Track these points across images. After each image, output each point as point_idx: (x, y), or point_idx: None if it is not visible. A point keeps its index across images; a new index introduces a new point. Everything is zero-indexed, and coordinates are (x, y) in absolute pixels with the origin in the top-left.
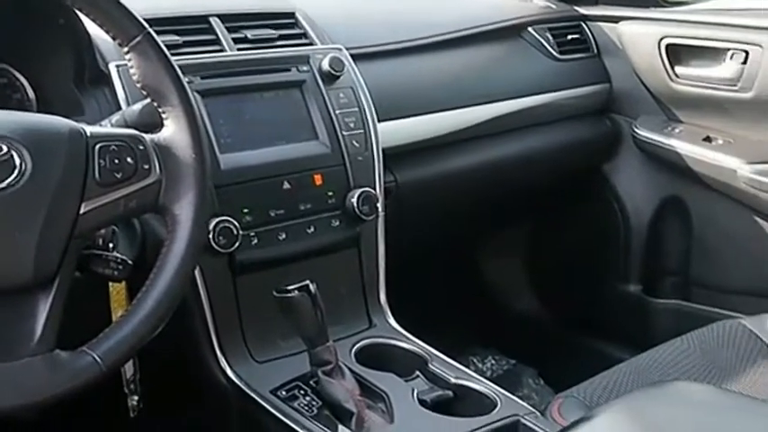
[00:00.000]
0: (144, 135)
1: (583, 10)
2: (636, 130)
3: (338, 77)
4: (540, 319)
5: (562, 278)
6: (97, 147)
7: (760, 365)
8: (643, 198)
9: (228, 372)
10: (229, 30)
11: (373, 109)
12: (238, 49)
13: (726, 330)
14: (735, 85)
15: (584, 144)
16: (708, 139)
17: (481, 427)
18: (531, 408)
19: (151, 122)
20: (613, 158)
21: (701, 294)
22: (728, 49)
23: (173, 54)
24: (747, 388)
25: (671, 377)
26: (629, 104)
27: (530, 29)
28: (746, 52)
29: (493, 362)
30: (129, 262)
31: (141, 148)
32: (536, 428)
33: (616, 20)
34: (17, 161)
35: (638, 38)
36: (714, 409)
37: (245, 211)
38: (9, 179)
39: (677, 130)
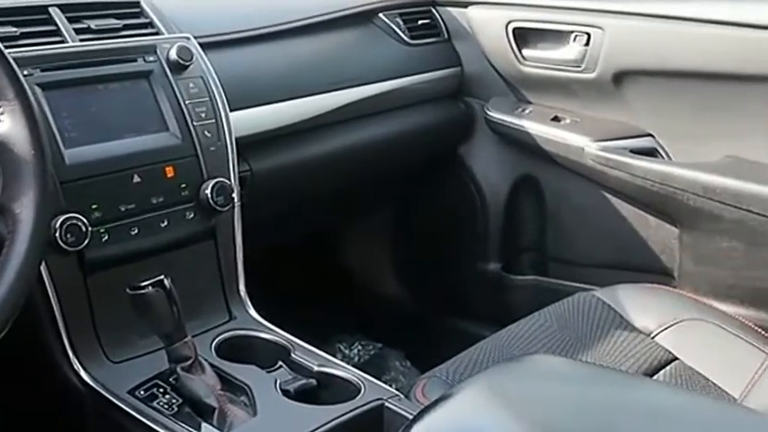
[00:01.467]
0: None
1: None
2: (488, 112)
3: (187, 67)
4: (405, 302)
5: (425, 260)
6: None
7: (613, 335)
8: (498, 178)
9: (83, 374)
10: (70, 20)
11: (225, 98)
12: (81, 40)
13: (580, 303)
14: (579, 66)
15: (439, 127)
16: (556, 118)
17: (345, 414)
18: (394, 391)
19: None
20: (468, 141)
21: (557, 269)
22: (572, 32)
23: (10, 46)
24: (602, 357)
25: (530, 351)
26: (480, 87)
27: (381, 14)
28: (588, 34)
29: (360, 347)
30: None
31: None
32: (400, 411)
33: (465, 4)
34: None
35: (487, 22)
36: (569, 380)
37: (94, 206)
38: None
39: (527, 111)
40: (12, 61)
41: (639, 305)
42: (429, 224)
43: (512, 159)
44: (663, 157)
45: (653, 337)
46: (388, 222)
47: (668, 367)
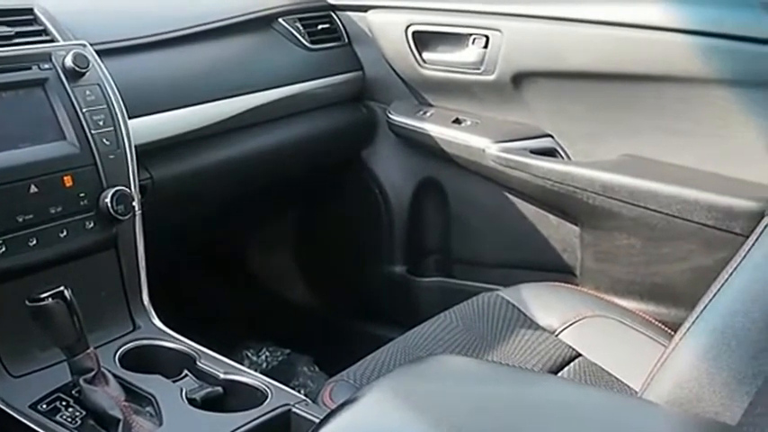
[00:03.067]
0: None
1: (332, 0)
2: (390, 115)
3: (83, 74)
4: (312, 307)
5: (331, 265)
6: None
7: (517, 333)
8: (401, 181)
9: None
10: None
11: (123, 105)
12: None
13: (485, 303)
14: (478, 69)
15: (342, 131)
16: (457, 120)
17: (252, 420)
18: (302, 396)
19: None
20: (371, 144)
21: (462, 270)
22: (471, 35)
23: None
24: (507, 356)
25: (436, 352)
26: (382, 91)
27: (280, 20)
28: (487, 37)
29: (267, 354)
30: None
31: None
32: (307, 416)
33: (364, 9)
34: None
35: (386, 26)
36: (473, 380)
37: None
38: None
39: (428, 114)
40: None
41: (543, 303)
42: (334, 228)
43: (414, 162)
44: (562, 156)
45: (557, 335)
46: (293, 227)
47: (572, 364)
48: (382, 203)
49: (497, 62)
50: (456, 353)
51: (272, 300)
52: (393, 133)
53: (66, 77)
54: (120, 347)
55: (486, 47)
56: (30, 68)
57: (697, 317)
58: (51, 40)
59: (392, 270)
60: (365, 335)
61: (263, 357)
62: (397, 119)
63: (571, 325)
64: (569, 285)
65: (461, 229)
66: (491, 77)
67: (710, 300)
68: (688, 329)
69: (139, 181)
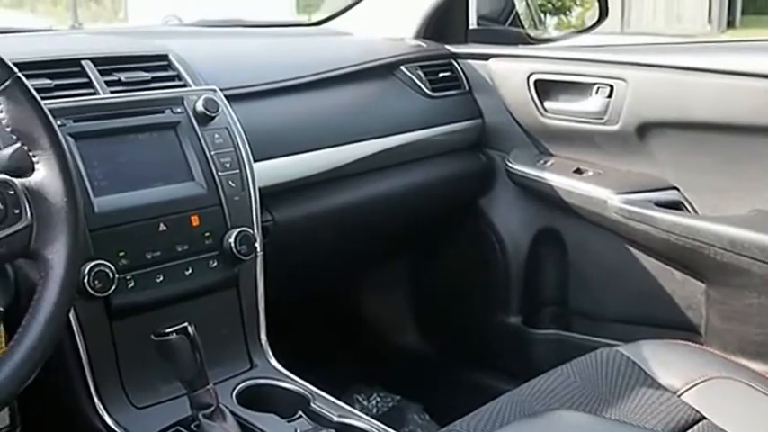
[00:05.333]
0: (14, 180)
1: (453, 48)
2: (509, 164)
3: (213, 118)
4: (423, 354)
5: (444, 312)
6: None
7: (638, 392)
8: (519, 230)
9: (107, 419)
10: (102, 73)
11: (249, 149)
12: (111, 92)
13: (604, 358)
14: (601, 119)
15: (460, 179)
16: (578, 170)
17: None
18: None
19: (22, 167)
20: (489, 192)
21: (579, 323)
22: (594, 84)
23: (44, 98)
24: (626, 415)
25: (552, 407)
26: (501, 139)
27: (402, 67)
28: (611, 86)
29: (378, 399)
30: (1, 308)
31: (11, 192)
32: None
33: (486, 57)
34: None
35: (508, 74)
36: None
37: (121, 254)
38: None
39: (549, 163)
40: (48, 112)
41: (665, 362)
42: (449, 275)
43: (533, 211)
44: (688, 210)
45: (679, 396)
46: (407, 273)
47: (695, 427)
48: (499, 252)
49: (621, 112)
50: (573, 409)
51: (384, 344)
52: (512, 182)
53: (197, 121)
54: (238, 385)
55: (609, 96)
56: (163, 112)
57: None
58: (184, 85)
59: (507, 320)
60: (477, 384)
61: (374, 402)
62: (517, 167)
63: (695, 386)
64: (693, 344)
65: (580, 282)
66: (615, 127)
67: None
68: None
69: (262, 222)
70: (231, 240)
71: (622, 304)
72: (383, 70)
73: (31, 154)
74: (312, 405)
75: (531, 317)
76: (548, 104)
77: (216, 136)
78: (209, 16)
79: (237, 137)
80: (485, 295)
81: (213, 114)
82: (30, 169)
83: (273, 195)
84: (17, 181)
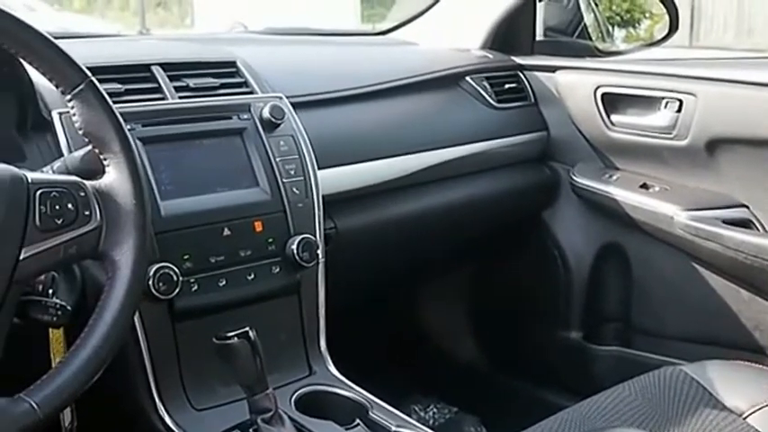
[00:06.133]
0: (85, 182)
1: (519, 60)
2: (574, 177)
3: (279, 125)
4: (482, 366)
5: (503, 325)
6: (38, 193)
7: (701, 413)
8: (582, 244)
9: (167, 419)
10: (171, 78)
11: (313, 156)
12: (180, 98)
13: (667, 377)
14: (670, 133)
15: (523, 191)
16: (645, 185)
17: None
18: None
19: (92, 169)
20: (552, 205)
21: (641, 341)
22: (663, 98)
23: (115, 102)
24: None
25: (613, 424)
26: (566, 152)
27: (468, 78)
28: (680, 101)
29: (435, 410)
30: (69, 308)
31: (82, 194)
32: None
33: (552, 69)
34: None
35: (575, 87)
36: None
37: (186, 257)
38: None
39: (614, 178)
40: (119, 116)
41: (730, 383)
42: (509, 288)
43: (597, 226)
44: (758, 228)
45: (744, 418)
46: (467, 284)
47: None
48: (561, 266)
49: (691, 127)
50: (635, 427)
51: (443, 356)
52: (576, 195)
53: (263, 128)
54: (296, 391)
55: (679, 111)
56: (230, 118)
57: None
58: (251, 92)
59: (568, 335)
60: (535, 399)
61: (431, 414)
62: (582, 181)
63: (761, 408)
64: (760, 366)
65: (643, 298)
66: (683, 143)
67: None
68: None
69: (324, 230)
70: (294, 247)
71: (686, 322)
72: (449, 81)
73: (102, 157)
74: (370, 414)
75: (593, 332)
76: (614, 118)
77: (281, 143)
78: (275, 24)
79: (302, 144)
80: (545, 309)
81: (279, 121)
82: (100, 172)
83: (336, 203)
84: (88, 183)
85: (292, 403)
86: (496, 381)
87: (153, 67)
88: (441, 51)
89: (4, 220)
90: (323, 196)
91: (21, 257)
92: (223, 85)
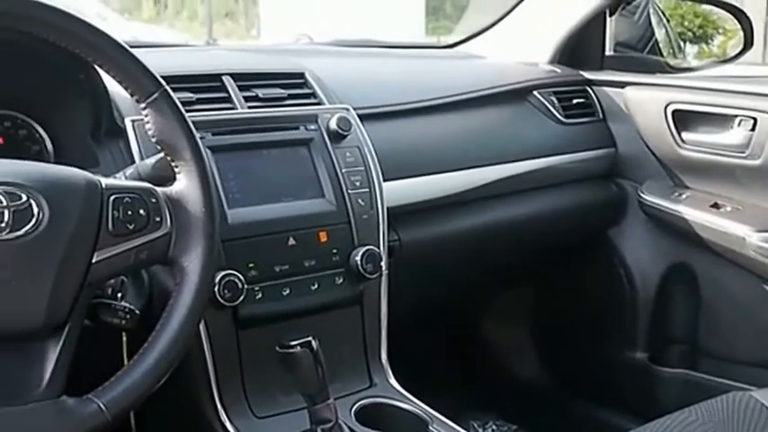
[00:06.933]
0: (156, 188)
1: (588, 74)
2: (642, 195)
3: (345, 137)
4: (543, 385)
5: (566, 343)
6: (111, 198)
7: None
8: (649, 264)
9: (228, 426)
10: (241, 88)
11: (379, 168)
12: (249, 107)
13: (736, 403)
14: (743, 152)
15: (589, 208)
16: (716, 205)
17: None
18: None
19: (163, 176)
20: (619, 223)
21: (708, 364)
22: (736, 116)
23: (186, 110)
24: None
25: None
26: (634, 169)
27: (535, 92)
28: (755, 119)
29: (494, 427)
30: (137, 312)
31: (154, 200)
32: None
33: (622, 85)
34: (35, 210)
35: (645, 103)
36: None
37: (251, 265)
38: (27, 227)
39: (684, 196)
40: (191, 125)
41: None
42: (573, 306)
43: (665, 245)
44: None
45: None
46: (530, 300)
47: None
48: (627, 285)
49: (765, 146)
50: None
51: (503, 372)
52: (644, 213)
53: (330, 139)
54: (357, 402)
55: (753, 129)
56: (297, 128)
57: None
58: (318, 103)
59: (632, 356)
60: (597, 420)
61: (490, 430)
62: (650, 199)
63: None
64: None
65: (712, 321)
66: (757, 162)
67: None
68: None
69: (388, 242)
70: (358, 258)
71: (756, 347)
72: (516, 95)
73: (173, 164)
74: (430, 428)
75: (658, 354)
76: (685, 135)
77: (347, 154)
78: (342, 36)
79: (369, 156)
80: (610, 329)
81: (346, 133)
82: (171, 179)
83: (400, 215)
84: (159, 189)
85: (352, 414)
86: (557, 399)
87: (224, 77)
88: (508, 65)
89: (79, 224)
90: (387, 208)
91: (93, 261)
92: (291, 96)
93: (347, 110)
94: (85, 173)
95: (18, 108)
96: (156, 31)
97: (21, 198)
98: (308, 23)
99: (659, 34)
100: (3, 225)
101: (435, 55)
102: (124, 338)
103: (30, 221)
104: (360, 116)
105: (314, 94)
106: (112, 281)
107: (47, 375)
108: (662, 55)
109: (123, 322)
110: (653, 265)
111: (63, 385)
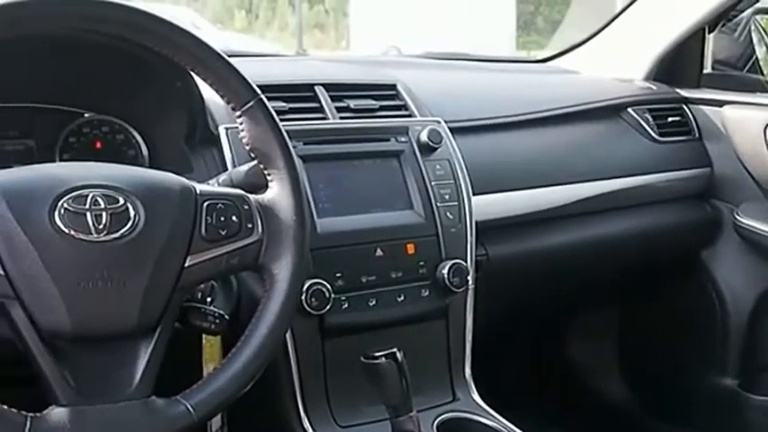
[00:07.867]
0: (249, 195)
1: (685, 92)
2: (738, 217)
3: (436, 149)
4: (626, 407)
5: (653, 366)
6: (205, 204)
7: None
8: (743, 288)
9: None
10: (333, 99)
11: (469, 182)
12: (341, 118)
13: None
14: None
15: (681, 228)
16: None
17: None
18: None
19: (256, 183)
20: (712, 245)
21: None
22: None
23: (279, 120)
24: None
25: None
26: (730, 190)
27: (629, 109)
28: None
29: None
30: (226, 317)
31: (246, 207)
32: None
33: (720, 104)
34: (131, 213)
35: (743, 123)
36: None
37: (338, 275)
38: (123, 229)
39: None
40: (285, 134)
41: None
42: (661, 328)
43: (761, 269)
44: None
45: None
46: (617, 321)
47: None
48: (718, 308)
49: None
50: None
51: (586, 392)
52: (739, 236)
53: (420, 151)
54: (439, 416)
55: None
56: (388, 140)
57: None
58: (410, 115)
59: (722, 382)
60: None
61: None
62: (747, 222)
63: None
64: None
65: None
66: None
67: None
68: None
69: (476, 256)
70: (444, 271)
71: None
72: (609, 111)
73: (266, 172)
74: None
75: (749, 381)
76: None
77: (437, 167)
78: (433, 49)
79: (458, 169)
80: (699, 353)
81: (436, 145)
82: (263, 186)
83: (488, 230)
84: (251, 197)
85: (434, 428)
86: (642, 422)
87: (316, 88)
88: (603, 81)
89: (173, 229)
90: (476, 222)
91: (186, 265)
92: (382, 108)
93: (438, 122)
94: (180, 178)
95: (116, 113)
96: (247, 41)
97: (118, 201)
98: (397, 36)
99: (760, 52)
100: (100, 227)
101: (528, 69)
102: (204, 342)
103: (126, 224)
104: (450, 129)
105: (405, 106)
106: (203, 285)
107: (138, 375)
108: (762, 74)
109: (212, 326)
110: (746, 290)
111: (152, 386)
